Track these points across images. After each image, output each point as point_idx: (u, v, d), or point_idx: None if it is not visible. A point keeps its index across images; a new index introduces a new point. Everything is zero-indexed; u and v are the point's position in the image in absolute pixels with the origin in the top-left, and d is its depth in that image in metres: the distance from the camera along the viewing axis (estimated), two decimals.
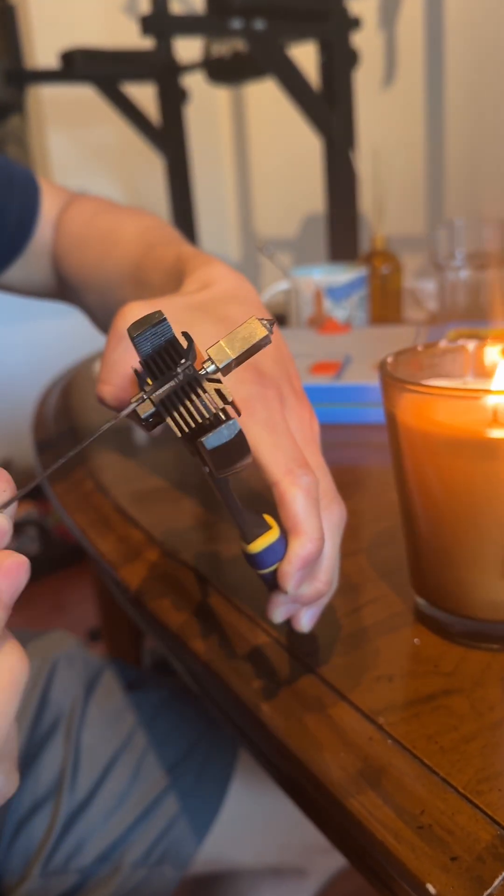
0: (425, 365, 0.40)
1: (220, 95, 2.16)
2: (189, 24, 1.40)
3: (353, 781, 0.31)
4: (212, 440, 0.25)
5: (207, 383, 0.26)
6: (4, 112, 2.00)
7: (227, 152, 2.26)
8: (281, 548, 0.33)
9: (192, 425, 0.26)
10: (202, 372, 0.26)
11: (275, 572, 0.33)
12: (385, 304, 1.08)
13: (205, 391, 0.26)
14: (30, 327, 2.04)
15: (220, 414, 0.26)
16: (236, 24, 1.25)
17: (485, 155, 1.45)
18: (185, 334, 0.26)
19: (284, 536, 0.33)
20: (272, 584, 0.34)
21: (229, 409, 0.26)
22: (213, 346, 0.26)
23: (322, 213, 1.60)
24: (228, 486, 0.30)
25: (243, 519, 0.32)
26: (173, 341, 0.26)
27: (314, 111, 1.33)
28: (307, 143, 1.68)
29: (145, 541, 0.52)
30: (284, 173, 2.05)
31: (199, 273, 0.44)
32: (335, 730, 0.34)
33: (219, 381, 0.26)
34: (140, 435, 0.75)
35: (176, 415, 0.26)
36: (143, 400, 0.26)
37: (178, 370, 0.25)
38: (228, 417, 0.26)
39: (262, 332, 0.26)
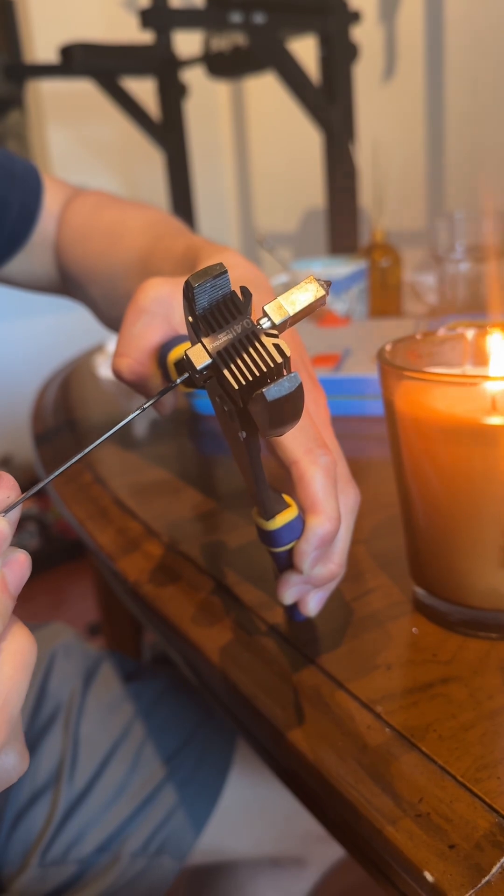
0: (424, 353, 0.40)
1: (219, 90, 2.16)
2: (189, 18, 1.39)
3: (352, 770, 0.31)
4: (273, 391, 0.24)
5: (266, 338, 0.25)
6: (4, 107, 1.99)
7: (226, 146, 2.26)
8: (298, 527, 0.33)
9: (250, 378, 0.25)
10: (259, 327, 0.25)
11: (289, 551, 0.33)
12: (385, 297, 1.08)
13: (263, 345, 0.25)
14: (28, 322, 2.03)
15: (281, 367, 0.25)
16: (236, 17, 1.25)
17: (485, 148, 1.45)
18: (244, 289, 0.26)
19: (302, 516, 0.33)
20: (286, 563, 0.34)
21: (286, 365, 0.25)
22: (271, 303, 0.26)
23: (322, 206, 1.60)
24: (260, 457, 0.29)
25: (267, 494, 0.32)
26: (232, 295, 0.25)
27: (314, 105, 1.33)
28: (307, 137, 1.68)
29: (144, 532, 0.52)
30: (284, 167, 2.04)
31: (214, 259, 0.44)
32: (333, 719, 0.33)
33: (276, 335, 0.25)
34: (139, 427, 0.75)
35: (233, 367, 0.25)
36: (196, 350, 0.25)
37: (236, 323, 0.25)
38: (288, 371, 0.25)
39: (320, 291, 0.26)
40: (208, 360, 0.25)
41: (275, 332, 0.25)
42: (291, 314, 0.26)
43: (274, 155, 2.10)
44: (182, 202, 1.66)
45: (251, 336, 0.25)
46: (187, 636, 0.41)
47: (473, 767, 0.30)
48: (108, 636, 1.18)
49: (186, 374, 0.26)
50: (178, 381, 0.26)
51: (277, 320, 0.25)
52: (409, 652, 0.37)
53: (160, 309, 0.39)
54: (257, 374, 0.25)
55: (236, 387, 0.25)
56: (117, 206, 0.63)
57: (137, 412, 0.26)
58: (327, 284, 0.26)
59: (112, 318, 0.60)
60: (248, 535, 0.50)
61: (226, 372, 0.25)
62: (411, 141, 1.59)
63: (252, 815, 0.64)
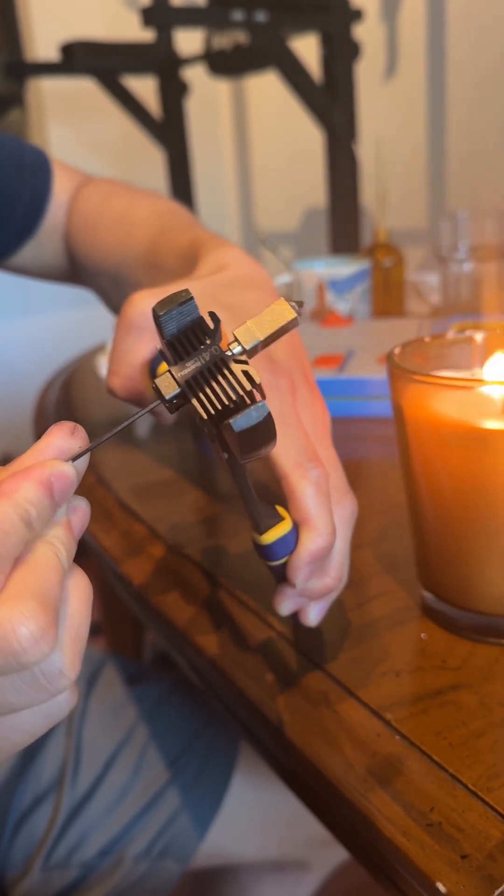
0: (432, 356, 0.40)
1: (221, 88, 2.15)
2: (190, 16, 1.39)
3: (361, 779, 0.31)
4: (240, 422, 0.24)
5: (234, 364, 0.25)
6: (4, 105, 1.99)
7: (228, 145, 2.25)
8: (293, 540, 0.32)
9: (219, 407, 0.25)
10: (228, 353, 0.25)
11: (285, 564, 0.33)
12: (388, 296, 1.08)
13: (232, 373, 0.25)
14: (30, 321, 2.03)
15: (248, 396, 0.25)
16: (237, 15, 1.24)
17: (487, 147, 1.44)
18: (212, 314, 0.26)
19: (297, 529, 0.33)
20: (281, 576, 0.33)
21: (255, 392, 0.25)
22: (241, 328, 0.26)
23: (324, 205, 1.60)
24: (245, 474, 0.29)
25: (257, 509, 0.31)
26: (200, 321, 0.25)
27: (316, 104, 1.32)
28: (309, 136, 1.67)
29: (148, 535, 0.52)
30: (286, 166, 2.04)
31: (213, 256, 0.44)
32: (342, 726, 0.33)
33: (245, 362, 0.25)
34: (142, 429, 0.75)
35: (202, 396, 0.25)
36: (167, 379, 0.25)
37: (205, 350, 0.25)
38: (255, 400, 0.25)
39: (290, 314, 0.26)
40: (177, 390, 0.25)
41: (244, 358, 0.25)
42: (262, 338, 0.26)
43: (275, 153, 2.09)
44: (183, 201, 1.66)
45: (219, 363, 0.25)
46: (193, 640, 0.41)
47: (485, 776, 0.29)
48: (109, 636, 1.18)
49: (157, 402, 0.26)
50: (149, 407, 0.26)
51: (248, 345, 0.25)
52: (417, 658, 0.37)
53: (148, 323, 0.39)
54: (226, 402, 0.25)
55: (205, 416, 0.25)
56: (127, 195, 0.62)
57: (124, 424, 0.26)
58: (299, 305, 0.26)
59: (119, 307, 0.60)
60: (251, 537, 0.50)
61: (195, 401, 0.25)
62: (414, 139, 1.59)
63: (255, 818, 0.64)
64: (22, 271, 0.68)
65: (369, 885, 0.32)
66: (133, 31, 1.52)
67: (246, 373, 0.25)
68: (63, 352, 1.33)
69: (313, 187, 1.77)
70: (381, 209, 1.12)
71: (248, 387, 0.25)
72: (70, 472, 0.24)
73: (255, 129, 2.15)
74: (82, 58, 1.40)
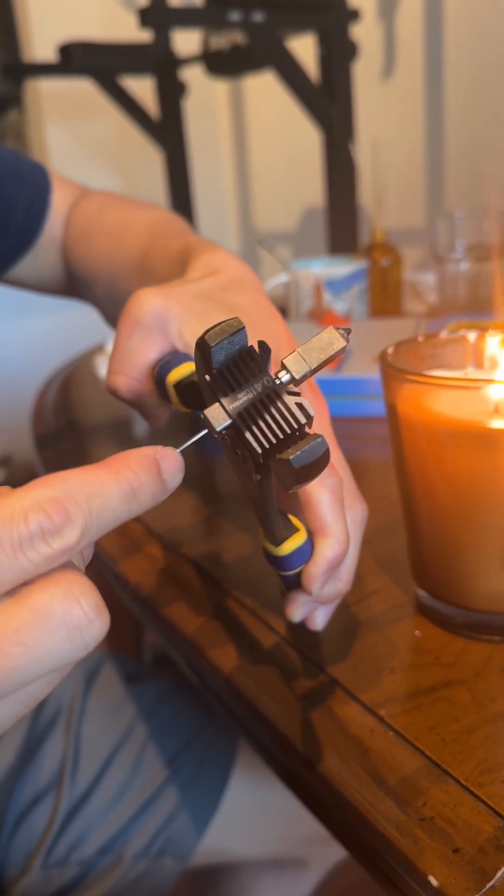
0: (426, 356, 0.40)
1: (218, 88, 2.16)
2: (187, 17, 1.39)
3: (355, 774, 0.31)
4: (301, 458, 0.23)
5: (287, 396, 0.24)
6: (2, 106, 1.99)
7: (226, 145, 2.26)
8: (307, 550, 0.32)
9: (273, 441, 0.24)
10: (277, 382, 0.25)
11: (298, 573, 0.33)
12: (385, 296, 1.08)
13: (285, 404, 0.24)
14: (28, 322, 2.03)
15: (300, 429, 0.24)
16: (235, 16, 1.24)
17: (485, 146, 1.45)
18: (262, 344, 0.25)
19: (310, 539, 0.33)
20: (293, 584, 0.33)
21: (306, 425, 0.25)
22: (290, 356, 0.25)
23: (321, 205, 1.60)
24: (272, 490, 0.29)
25: (276, 522, 0.31)
26: (250, 351, 0.25)
27: (313, 104, 1.33)
28: (306, 136, 1.67)
29: (145, 534, 0.52)
30: (284, 166, 2.04)
31: (203, 259, 0.43)
32: (336, 722, 0.33)
33: (298, 393, 0.25)
34: (139, 428, 0.75)
35: (255, 428, 0.24)
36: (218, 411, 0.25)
37: (255, 381, 0.24)
38: (305, 432, 0.24)
39: (340, 342, 0.25)
40: (228, 421, 0.25)
41: (296, 389, 0.25)
42: (312, 367, 0.25)
43: (273, 153, 2.09)
44: (181, 201, 1.66)
45: (272, 395, 0.24)
46: (190, 639, 0.41)
47: (477, 771, 0.30)
48: (108, 636, 1.18)
49: (205, 431, 0.25)
50: (198, 435, 0.26)
51: (298, 374, 0.25)
52: (411, 655, 0.37)
53: (155, 323, 0.38)
54: (280, 436, 0.24)
55: (259, 450, 0.24)
56: (122, 206, 0.62)
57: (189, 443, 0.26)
58: (347, 333, 0.25)
59: (115, 318, 0.59)
60: (249, 537, 0.50)
61: (247, 434, 0.24)
62: (411, 139, 1.59)
63: (254, 816, 0.64)
64: (20, 284, 0.68)
65: (367, 883, 0.32)
66: (131, 31, 1.53)
67: (300, 405, 0.24)
68: (61, 352, 1.33)
69: (311, 187, 1.77)
70: (378, 209, 1.13)
71: (302, 420, 0.24)
72: (178, 455, 0.23)
73: (253, 129, 2.15)
74: (80, 58, 1.40)
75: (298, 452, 0.23)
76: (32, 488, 0.21)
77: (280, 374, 0.25)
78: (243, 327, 0.25)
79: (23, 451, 2.06)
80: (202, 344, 0.24)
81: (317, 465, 0.24)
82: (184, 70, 1.59)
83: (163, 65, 1.54)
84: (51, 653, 0.20)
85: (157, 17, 1.34)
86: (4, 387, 2.00)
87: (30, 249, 0.64)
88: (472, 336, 0.40)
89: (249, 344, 0.25)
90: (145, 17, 1.32)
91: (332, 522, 0.32)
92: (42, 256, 0.65)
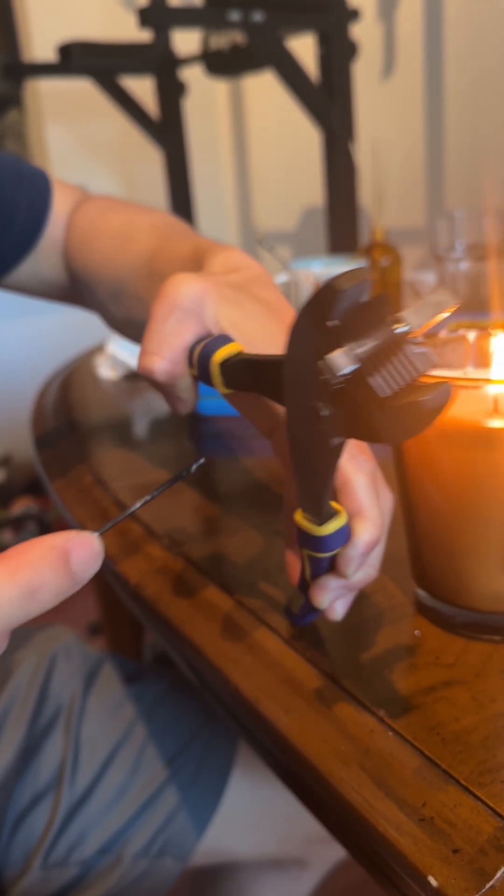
0: None
1: (218, 88, 2.16)
2: (187, 17, 1.39)
3: (355, 774, 0.31)
4: (433, 401, 0.23)
5: (411, 345, 0.24)
6: (2, 106, 1.99)
7: (225, 145, 2.26)
8: (347, 532, 0.33)
9: (395, 387, 0.24)
10: (396, 331, 0.25)
11: (331, 557, 0.33)
12: None
13: (408, 353, 0.24)
14: (28, 322, 2.03)
15: (422, 377, 0.24)
16: (235, 16, 1.24)
17: (485, 146, 1.45)
18: (382, 296, 0.25)
19: (349, 522, 0.33)
20: (326, 568, 0.34)
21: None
22: (406, 311, 0.25)
23: (321, 205, 1.60)
24: (337, 463, 0.29)
25: (327, 499, 0.31)
26: (373, 302, 0.25)
27: (313, 103, 1.33)
28: (306, 136, 1.67)
29: (145, 534, 0.52)
30: (284, 166, 2.04)
31: (220, 257, 0.44)
32: (336, 722, 0.33)
33: (421, 342, 0.25)
34: (140, 428, 0.75)
35: (379, 375, 0.24)
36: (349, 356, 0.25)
37: (380, 330, 0.25)
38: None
39: (451, 301, 0.25)
40: (353, 365, 0.25)
41: (419, 339, 0.25)
42: (427, 320, 0.25)
43: (273, 153, 2.09)
44: (181, 201, 1.66)
45: (395, 344, 0.24)
46: (189, 639, 0.41)
47: (477, 771, 0.30)
48: (108, 636, 1.18)
49: (178, 477, 0.25)
50: (166, 484, 0.26)
51: (416, 326, 0.25)
52: (411, 655, 0.37)
53: (194, 306, 0.38)
54: (403, 383, 0.24)
55: (381, 396, 0.24)
56: (125, 210, 0.62)
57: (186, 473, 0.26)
58: (453, 297, 0.26)
59: (118, 320, 0.59)
60: (249, 537, 0.50)
61: (371, 380, 0.24)
62: (411, 139, 1.59)
63: (254, 816, 0.64)
64: (20, 289, 0.68)
65: (367, 883, 0.32)
66: (130, 31, 1.53)
67: (424, 354, 0.24)
68: (62, 352, 1.33)
69: (311, 187, 1.77)
70: (378, 209, 1.13)
71: (423, 369, 0.24)
72: (94, 542, 0.22)
73: (253, 129, 2.15)
74: (80, 58, 1.40)
75: (430, 395, 0.23)
76: None
77: (398, 327, 0.25)
78: (369, 278, 0.25)
79: (23, 451, 2.06)
80: (328, 290, 0.25)
81: (440, 411, 0.24)
82: (184, 70, 1.60)
83: (162, 65, 1.54)
84: None
85: (156, 17, 1.34)
86: (4, 387, 2.00)
87: (31, 252, 0.64)
88: (471, 335, 0.40)
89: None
90: (145, 16, 1.32)
91: (369, 506, 0.33)
92: (43, 260, 0.65)
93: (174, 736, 0.65)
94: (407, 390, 0.24)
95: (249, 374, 0.35)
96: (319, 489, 0.31)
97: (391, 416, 0.25)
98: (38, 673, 0.67)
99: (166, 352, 0.38)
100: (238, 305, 0.38)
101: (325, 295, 0.25)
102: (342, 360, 0.25)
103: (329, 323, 0.25)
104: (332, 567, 0.34)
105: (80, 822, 0.59)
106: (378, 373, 0.24)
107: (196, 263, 0.46)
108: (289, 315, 0.40)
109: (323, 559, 0.33)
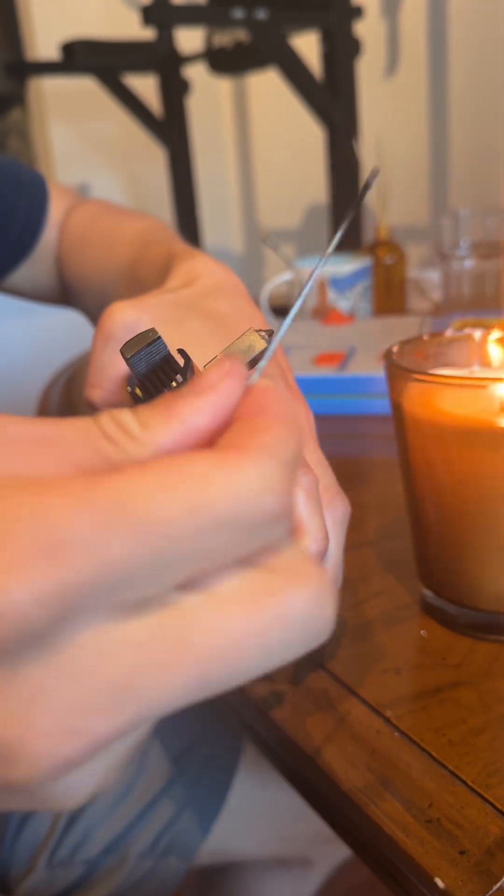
0: (431, 354, 0.40)
1: (222, 86, 2.15)
2: (190, 14, 1.39)
3: (361, 775, 0.31)
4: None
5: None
6: (6, 104, 1.99)
7: (229, 143, 2.25)
8: None
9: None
10: None
11: None
12: (389, 294, 1.08)
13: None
14: (32, 320, 2.03)
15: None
16: (238, 13, 1.24)
17: (489, 143, 1.44)
18: (182, 351, 0.26)
19: None
20: None
21: None
22: (211, 362, 0.25)
23: (325, 203, 1.60)
24: None
25: None
26: (168, 358, 0.26)
27: (317, 101, 1.32)
28: (310, 134, 1.67)
29: None
30: (287, 164, 2.04)
31: (184, 267, 0.43)
32: (342, 723, 0.33)
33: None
34: None
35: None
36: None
37: (177, 388, 0.25)
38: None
39: (260, 344, 0.25)
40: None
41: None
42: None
43: (276, 151, 2.09)
44: (184, 199, 1.66)
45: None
46: None
47: (484, 773, 0.30)
48: None
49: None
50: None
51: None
52: (417, 655, 0.37)
53: (126, 335, 0.38)
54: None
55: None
56: (114, 215, 0.62)
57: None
58: (268, 335, 0.26)
59: None
60: None
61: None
62: (415, 136, 1.59)
63: (258, 815, 0.64)
64: (16, 292, 0.68)
65: (372, 882, 0.32)
66: (134, 29, 1.52)
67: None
68: (65, 352, 1.33)
69: (315, 185, 1.77)
70: (382, 206, 1.12)
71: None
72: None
73: (257, 126, 2.14)
74: (83, 56, 1.40)
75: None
76: None
77: (174, 385, 0.26)
78: (158, 337, 0.26)
79: None
80: (122, 356, 0.26)
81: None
82: (187, 68, 1.59)
83: (166, 63, 1.53)
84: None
85: (159, 15, 1.34)
86: (8, 386, 2.00)
87: (27, 257, 0.64)
88: (477, 334, 0.39)
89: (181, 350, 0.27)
90: (148, 14, 1.32)
91: (308, 519, 0.32)
92: (38, 264, 0.65)
93: (179, 735, 0.65)
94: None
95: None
96: None
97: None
98: None
99: (104, 382, 0.39)
100: (178, 324, 0.38)
101: (125, 361, 0.27)
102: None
103: (128, 388, 0.27)
104: None
105: (85, 822, 0.59)
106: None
107: (168, 271, 0.46)
108: (240, 325, 0.39)
109: None
